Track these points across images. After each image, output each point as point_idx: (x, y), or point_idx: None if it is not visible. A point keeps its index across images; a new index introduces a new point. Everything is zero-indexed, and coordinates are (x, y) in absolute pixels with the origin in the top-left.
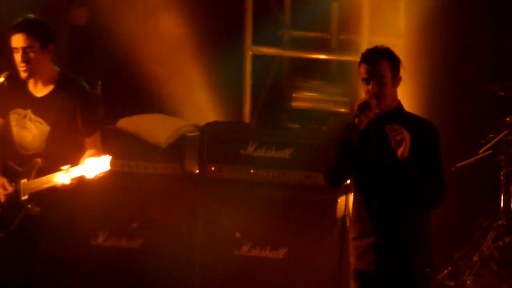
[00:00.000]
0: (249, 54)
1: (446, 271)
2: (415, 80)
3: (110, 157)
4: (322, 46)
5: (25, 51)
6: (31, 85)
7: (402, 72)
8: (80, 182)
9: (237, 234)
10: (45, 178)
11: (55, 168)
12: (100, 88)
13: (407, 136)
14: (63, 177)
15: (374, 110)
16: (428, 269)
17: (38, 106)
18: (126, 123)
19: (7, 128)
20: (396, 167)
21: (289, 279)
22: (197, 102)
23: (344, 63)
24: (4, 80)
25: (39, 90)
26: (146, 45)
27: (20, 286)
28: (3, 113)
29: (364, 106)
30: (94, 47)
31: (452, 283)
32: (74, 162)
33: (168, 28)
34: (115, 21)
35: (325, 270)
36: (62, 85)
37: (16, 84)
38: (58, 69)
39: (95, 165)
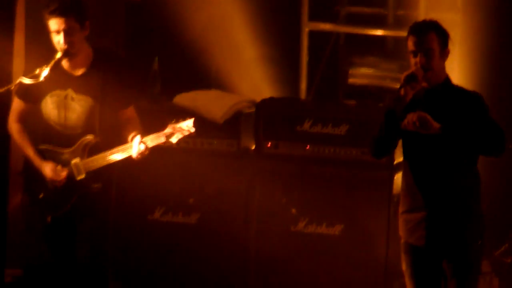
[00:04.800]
0: (306, 30)
1: (503, 248)
2: (471, 55)
3: (193, 119)
4: (379, 22)
5: (67, 33)
6: (66, 65)
7: (457, 46)
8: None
9: (293, 211)
10: (109, 153)
11: (109, 143)
12: (157, 64)
13: (420, 119)
14: (138, 148)
15: (420, 83)
16: (480, 241)
17: (80, 84)
18: (183, 99)
19: (39, 112)
20: (446, 140)
21: (345, 255)
22: (253, 79)
23: (401, 39)
24: (61, 56)
25: (78, 68)
26: (202, 21)
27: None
28: (37, 97)
29: (411, 78)
30: (151, 24)
31: (509, 260)
32: (124, 135)
33: (224, 4)
34: None
35: (380, 246)
36: (100, 59)
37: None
38: (89, 45)
39: (179, 129)
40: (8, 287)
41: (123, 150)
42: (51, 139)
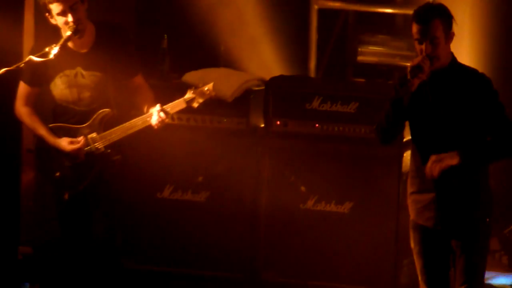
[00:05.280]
0: (315, 7)
1: None
2: (480, 34)
3: (213, 82)
4: (388, 0)
5: (72, 9)
6: (72, 44)
7: (466, 28)
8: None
9: (302, 188)
10: (127, 124)
11: (124, 114)
12: (166, 42)
13: (438, 163)
14: (159, 116)
15: (426, 72)
16: (488, 219)
17: (87, 60)
18: (192, 77)
19: (49, 94)
20: (452, 121)
21: (355, 233)
22: (262, 56)
23: (410, 17)
24: (71, 34)
25: (83, 45)
26: None
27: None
28: (44, 80)
29: (417, 70)
30: (160, 2)
31: None
32: (139, 104)
33: None
34: None
35: (389, 224)
36: (102, 33)
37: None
38: (89, 20)
39: (199, 94)
40: (18, 265)
41: (141, 120)
42: (64, 118)
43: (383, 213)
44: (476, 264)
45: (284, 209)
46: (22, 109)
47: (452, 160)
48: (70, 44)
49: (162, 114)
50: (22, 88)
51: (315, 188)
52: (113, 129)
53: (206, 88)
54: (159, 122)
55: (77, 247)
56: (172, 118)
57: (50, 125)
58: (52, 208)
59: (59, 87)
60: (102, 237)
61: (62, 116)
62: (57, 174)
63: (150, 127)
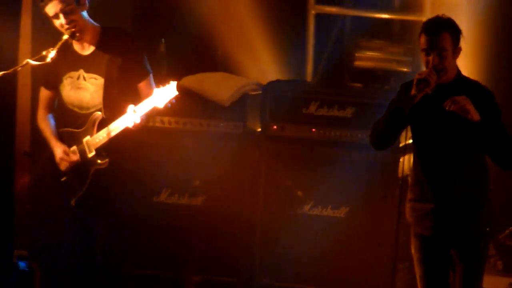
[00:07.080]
0: (312, 13)
1: (507, 231)
2: (480, 42)
3: (176, 82)
4: (385, 6)
5: (65, 12)
6: (76, 46)
7: (468, 35)
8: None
9: (299, 193)
10: (110, 126)
11: (118, 117)
12: (164, 46)
13: (463, 101)
14: (132, 117)
15: (431, 86)
16: (488, 229)
17: (89, 63)
18: (190, 81)
19: (59, 96)
20: (455, 135)
21: (351, 238)
22: (260, 61)
23: (407, 22)
24: (68, 38)
25: (86, 48)
26: (209, 3)
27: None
28: (56, 82)
29: (423, 83)
30: (158, 5)
31: None
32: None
33: None
34: None
35: (385, 229)
36: (107, 37)
37: (63, 50)
38: (97, 24)
39: (163, 94)
40: (13, 268)
41: (120, 122)
42: (71, 122)
43: (379, 218)
44: (474, 272)
45: (280, 213)
46: (38, 113)
47: (474, 112)
48: (75, 46)
49: (134, 114)
50: (41, 91)
51: (311, 193)
52: (99, 132)
53: (167, 87)
54: (131, 122)
55: (80, 253)
56: (169, 123)
57: (60, 129)
58: (56, 213)
59: (66, 88)
60: (103, 243)
61: (68, 120)
62: (63, 178)
63: (129, 128)
